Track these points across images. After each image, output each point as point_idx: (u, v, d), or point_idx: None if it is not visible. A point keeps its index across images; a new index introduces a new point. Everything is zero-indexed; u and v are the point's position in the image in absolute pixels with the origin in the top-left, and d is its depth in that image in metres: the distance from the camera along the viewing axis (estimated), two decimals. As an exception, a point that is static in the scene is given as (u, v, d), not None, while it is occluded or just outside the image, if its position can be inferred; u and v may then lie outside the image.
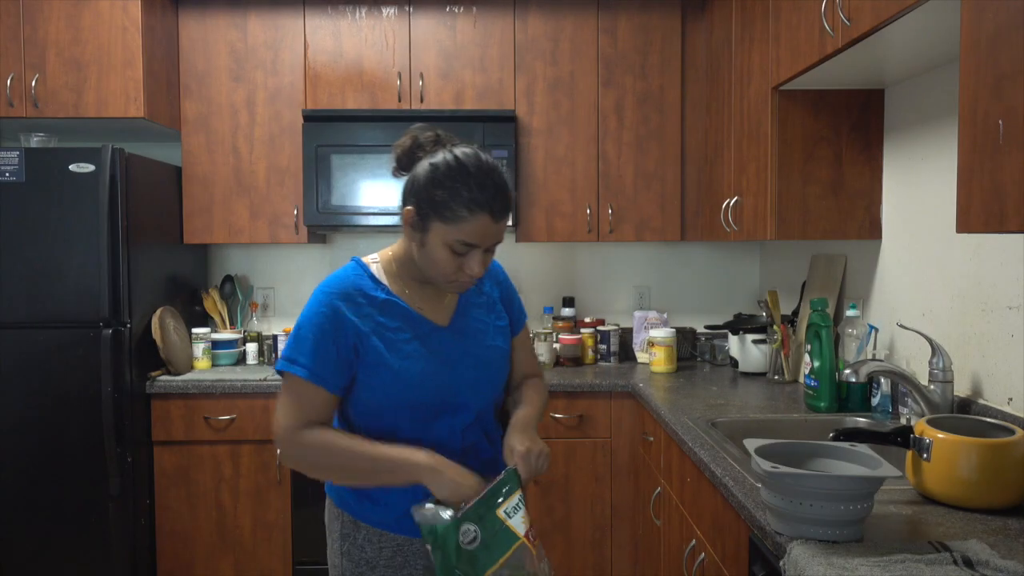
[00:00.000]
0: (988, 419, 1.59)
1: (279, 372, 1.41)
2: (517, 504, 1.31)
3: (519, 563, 1.30)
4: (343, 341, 1.38)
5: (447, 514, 1.30)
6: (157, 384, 2.89)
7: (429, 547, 1.31)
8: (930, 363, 1.91)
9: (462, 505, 1.31)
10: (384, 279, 1.46)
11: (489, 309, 1.55)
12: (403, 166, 1.43)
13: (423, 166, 1.37)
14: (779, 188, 2.36)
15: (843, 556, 1.19)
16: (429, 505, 1.32)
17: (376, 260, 1.49)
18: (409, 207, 1.37)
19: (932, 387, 1.89)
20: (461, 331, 1.49)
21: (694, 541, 1.98)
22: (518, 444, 1.39)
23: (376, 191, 3.07)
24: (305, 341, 1.38)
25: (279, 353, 3.12)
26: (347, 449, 1.38)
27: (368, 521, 1.45)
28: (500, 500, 1.31)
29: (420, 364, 1.42)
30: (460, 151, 1.36)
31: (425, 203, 1.34)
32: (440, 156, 1.36)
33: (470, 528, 1.29)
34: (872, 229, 2.39)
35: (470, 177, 1.32)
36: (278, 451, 1.44)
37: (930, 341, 1.92)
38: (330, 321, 1.38)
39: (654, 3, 3.17)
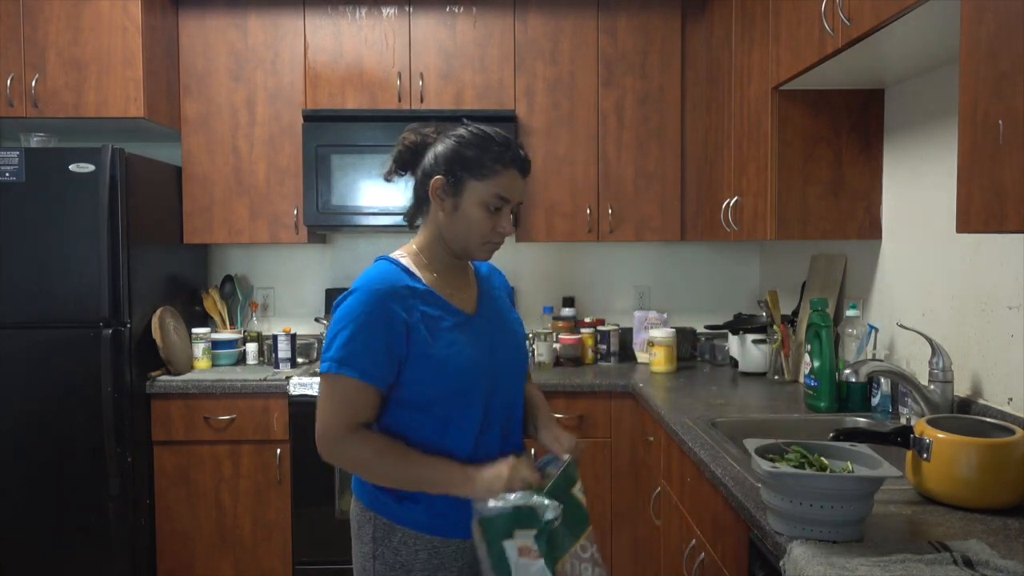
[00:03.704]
0: (988, 419, 1.59)
1: (324, 373, 1.39)
2: (581, 488, 1.40)
3: (590, 543, 1.36)
4: (394, 336, 1.39)
5: (513, 497, 1.32)
6: (157, 384, 2.89)
7: (484, 541, 1.32)
8: (930, 363, 1.91)
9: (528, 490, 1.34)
10: (416, 271, 1.48)
11: (504, 302, 1.63)
12: (406, 164, 1.50)
13: (444, 142, 1.46)
14: (779, 188, 2.36)
15: (843, 556, 1.19)
16: (492, 503, 1.33)
17: (403, 255, 1.51)
18: (437, 176, 1.44)
19: (932, 387, 1.89)
20: (488, 318, 1.53)
21: (694, 541, 1.98)
22: (565, 437, 1.49)
23: (376, 191, 3.07)
24: (354, 340, 1.37)
25: (279, 354, 3.13)
26: (395, 458, 1.39)
27: (405, 523, 1.43)
28: (572, 483, 1.38)
29: (465, 350, 1.43)
30: (476, 124, 1.48)
31: (457, 166, 1.43)
32: (461, 129, 1.47)
33: (556, 505, 1.32)
34: (872, 229, 2.39)
35: (493, 139, 1.44)
36: (320, 452, 1.43)
37: (930, 341, 1.92)
38: (379, 318, 1.39)
39: (654, 3, 3.17)
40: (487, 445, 1.46)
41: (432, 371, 1.40)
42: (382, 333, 1.38)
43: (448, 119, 3.17)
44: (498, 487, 1.34)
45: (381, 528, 1.44)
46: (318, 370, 3.00)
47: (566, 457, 1.43)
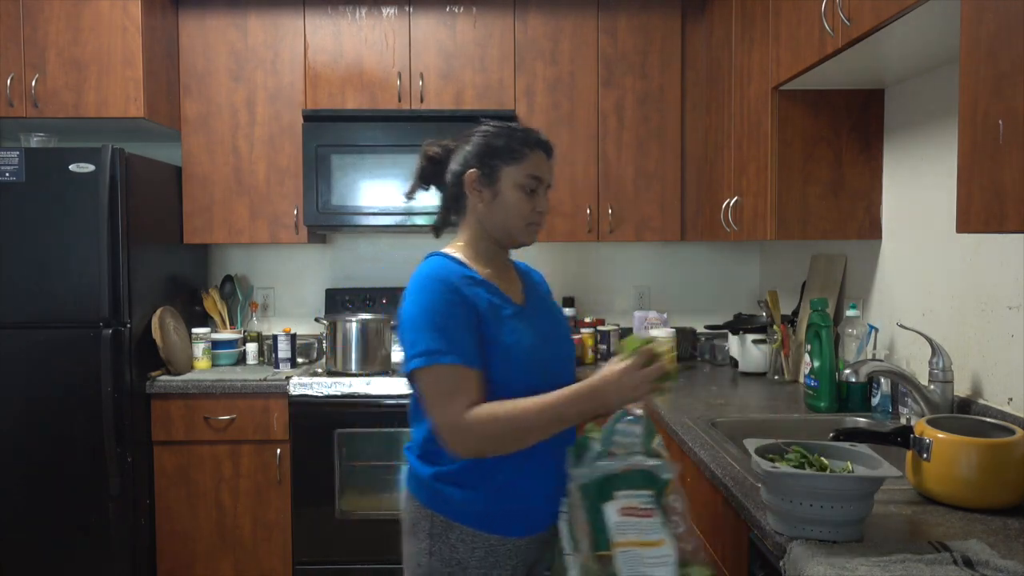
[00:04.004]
0: (988, 419, 1.59)
1: (419, 370, 1.37)
2: (661, 442, 1.43)
3: (680, 497, 1.40)
4: (471, 320, 1.41)
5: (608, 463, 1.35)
6: (157, 384, 2.89)
7: (583, 505, 1.34)
8: (930, 363, 1.91)
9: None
10: (470, 264, 1.51)
11: (548, 295, 1.68)
12: (428, 177, 1.57)
13: (469, 141, 1.52)
14: (779, 188, 2.36)
15: (843, 556, 1.19)
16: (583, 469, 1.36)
17: (453, 252, 1.53)
18: (471, 170, 1.50)
19: (932, 387, 1.89)
20: (538, 310, 1.57)
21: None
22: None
23: (376, 191, 3.07)
24: (442, 329, 1.38)
25: (279, 354, 3.13)
26: (525, 410, 1.37)
27: (464, 520, 1.44)
28: (652, 438, 1.41)
29: (525, 338, 1.46)
30: (496, 122, 1.56)
31: (488, 156, 1.50)
32: (482, 127, 1.54)
33: (673, 465, 1.37)
34: (872, 229, 2.39)
35: (516, 128, 1.54)
36: (452, 449, 1.38)
37: (930, 341, 1.92)
38: (456, 303, 1.41)
39: (654, 3, 3.17)
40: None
41: (500, 358, 1.42)
42: (462, 318, 1.40)
43: (448, 119, 3.20)
44: (641, 387, 1.35)
45: (439, 525, 1.45)
46: (318, 370, 3.02)
47: (639, 412, 1.42)
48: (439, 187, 1.59)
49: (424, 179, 1.59)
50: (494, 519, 1.44)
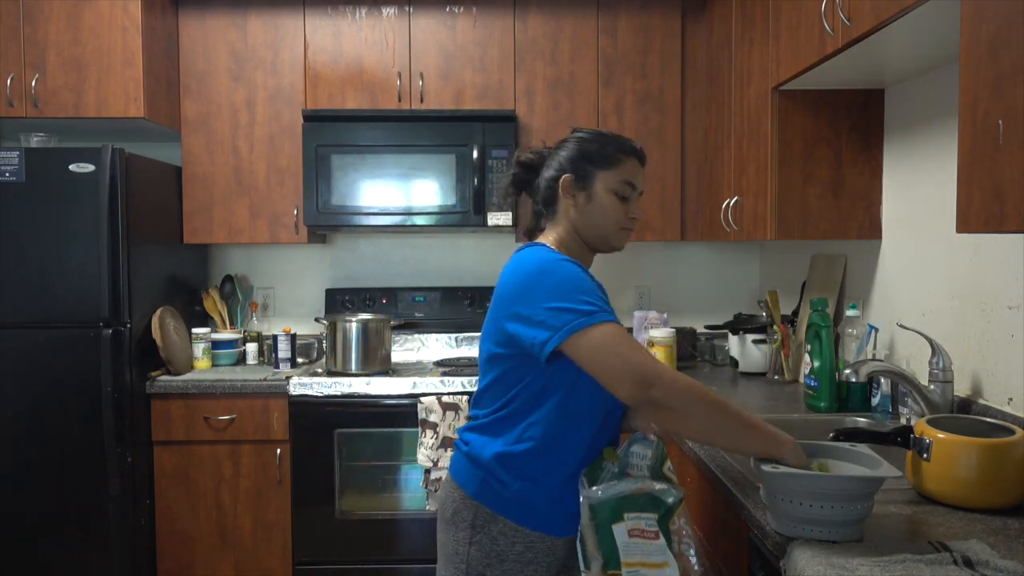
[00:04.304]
0: (988, 419, 1.59)
1: (584, 331, 1.34)
2: (671, 467, 1.48)
3: (687, 522, 1.43)
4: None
5: (622, 485, 1.40)
6: (157, 384, 2.89)
7: (593, 525, 1.38)
8: (930, 363, 1.91)
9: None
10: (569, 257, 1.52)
11: None
12: (521, 184, 1.61)
13: (564, 148, 1.57)
14: (779, 188, 2.36)
15: (843, 556, 1.19)
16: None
17: (551, 245, 1.55)
18: (566, 175, 1.54)
19: (932, 387, 1.89)
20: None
21: (694, 541, 1.98)
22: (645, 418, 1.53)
23: (376, 191, 3.07)
24: (591, 292, 1.40)
25: (279, 354, 3.12)
26: (728, 402, 1.39)
27: (509, 515, 1.47)
28: (663, 462, 1.45)
29: None
30: (590, 128, 1.60)
31: (583, 161, 1.54)
32: (577, 133, 1.58)
33: (678, 489, 1.42)
34: (872, 229, 2.39)
35: (610, 135, 1.58)
36: (650, 390, 1.31)
37: (930, 341, 1.92)
38: (587, 278, 1.44)
39: (654, 3, 3.17)
40: (604, 435, 1.52)
41: None
42: (597, 291, 1.43)
43: (448, 119, 3.20)
44: (801, 458, 1.33)
45: (483, 516, 1.48)
46: (318, 370, 3.02)
47: (652, 438, 1.47)
48: (530, 193, 1.63)
49: (517, 185, 1.63)
50: (540, 516, 1.47)
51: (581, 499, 1.42)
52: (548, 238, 1.58)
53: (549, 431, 1.46)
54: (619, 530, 1.35)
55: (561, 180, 1.54)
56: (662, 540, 1.35)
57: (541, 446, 1.45)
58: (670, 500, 1.39)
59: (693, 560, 1.40)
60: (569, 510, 1.47)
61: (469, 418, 1.59)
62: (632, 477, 1.41)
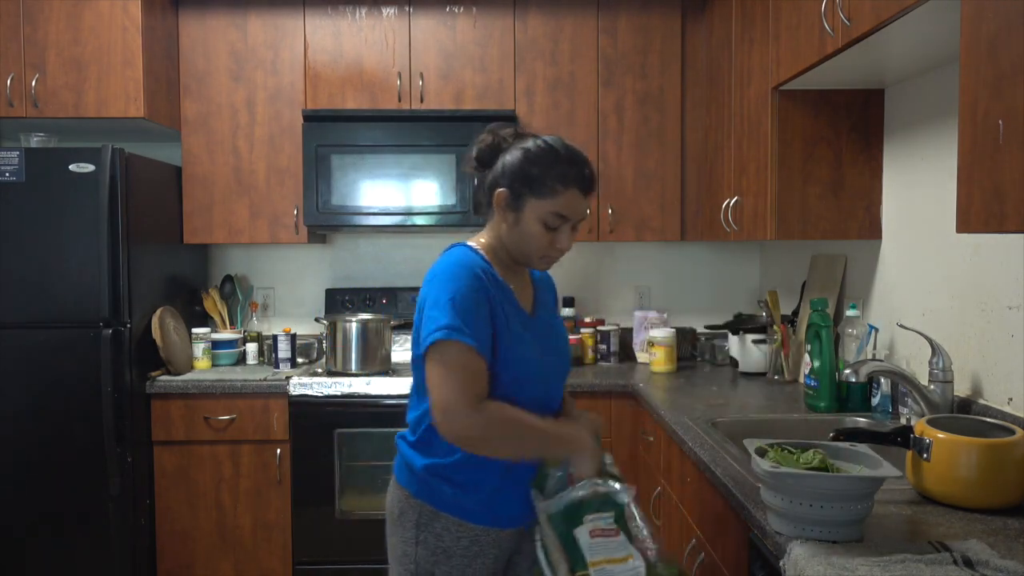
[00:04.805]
0: (988, 419, 1.59)
1: (437, 343, 1.36)
2: (612, 461, 1.53)
3: (637, 506, 1.46)
4: (487, 312, 1.42)
5: (575, 491, 1.42)
6: (157, 384, 2.89)
7: (555, 532, 1.40)
8: (930, 363, 1.91)
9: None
10: (492, 264, 1.52)
11: (553, 306, 1.68)
12: (485, 162, 1.53)
13: (513, 152, 1.49)
14: (779, 188, 2.36)
15: (843, 556, 1.19)
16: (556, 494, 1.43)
17: (477, 247, 1.54)
18: (502, 189, 1.49)
19: (932, 387, 1.89)
20: (545, 322, 1.59)
21: (694, 541, 1.98)
22: (584, 417, 1.58)
23: (376, 191, 3.07)
24: (464, 312, 1.38)
25: (279, 354, 3.13)
26: (523, 423, 1.41)
27: (451, 511, 1.48)
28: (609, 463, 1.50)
29: (528, 351, 1.49)
30: (547, 137, 1.51)
31: (519, 182, 1.47)
32: (530, 142, 1.50)
33: (628, 488, 1.44)
34: (872, 229, 2.39)
35: (560, 156, 1.47)
36: (442, 426, 1.38)
37: (930, 341, 1.92)
38: (480, 291, 1.42)
39: (654, 3, 3.17)
40: None
41: (504, 364, 1.44)
42: (484, 308, 1.41)
43: (448, 119, 3.20)
44: (596, 462, 1.44)
45: (426, 515, 1.50)
46: (318, 370, 3.02)
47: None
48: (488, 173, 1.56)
49: (482, 163, 1.55)
50: (480, 513, 1.49)
51: (538, 511, 1.44)
52: (480, 240, 1.57)
53: None
54: (581, 532, 1.38)
55: (495, 194, 1.50)
56: (623, 536, 1.39)
57: (466, 456, 1.45)
58: (622, 498, 1.41)
59: (647, 540, 1.43)
60: (509, 505, 1.50)
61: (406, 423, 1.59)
62: (580, 482, 1.43)
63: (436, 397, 1.38)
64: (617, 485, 1.43)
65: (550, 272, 1.71)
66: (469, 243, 1.56)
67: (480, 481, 1.48)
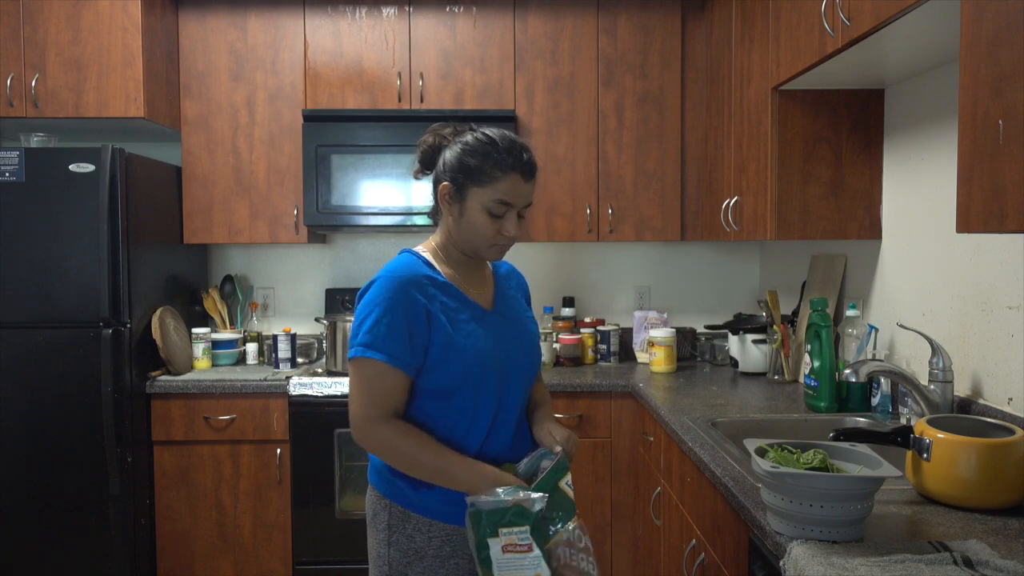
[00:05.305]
0: (988, 419, 1.59)
1: (352, 359, 1.44)
2: (570, 481, 1.46)
3: (583, 533, 1.43)
4: (416, 322, 1.44)
5: (502, 492, 1.39)
6: (157, 384, 2.89)
7: (474, 533, 1.38)
8: (930, 363, 1.91)
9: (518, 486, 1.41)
10: (436, 265, 1.54)
11: (519, 302, 1.68)
12: (428, 164, 1.55)
13: (452, 148, 1.50)
14: (779, 188, 2.36)
15: (843, 556, 1.19)
16: (484, 497, 1.39)
17: (424, 250, 1.57)
18: (444, 183, 1.50)
19: (932, 387, 1.89)
20: (504, 315, 1.59)
21: (694, 541, 1.98)
22: (557, 430, 1.55)
23: (376, 191, 3.07)
24: (379, 325, 1.42)
25: (279, 354, 3.13)
26: (419, 453, 1.43)
27: (419, 510, 1.48)
28: (561, 475, 1.44)
29: (481, 342, 1.49)
30: (485, 129, 1.52)
31: (460, 173, 1.48)
32: (469, 136, 1.51)
33: (542, 496, 1.39)
34: (872, 229, 2.39)
35: (497, 145, 1.48)
36: (353, 437, 1.49)
37: (930, 341, 1.92)
38: (401, 303, 1.43)
39: (654, 3, 3.17)
40: (498, 441, 1.52)
41: (451, 359, 1.45)
42: (405, 319, 1.43)
43: (448, 119, 3.17)
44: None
45: (396, 515, 1.50)
46: (318, 370, 3.02)
47: (558, 450, 1.50)
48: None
49: (425, 165, 1.58)
50: (450, 514, 1.48)
51: (467, 502, 1.41)
52: (430, 242, 1.59)
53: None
54: (494, 545, 1.37)
55: (439, 189, 1.51)
56: (536, 551, 1.37)
57: None
58: (536, 508, 1.38)
59: (590, 569, 1.42)
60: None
61: None
62: (514, 487, 1.40)
63: (349, 410, 1.46)
64: (533, 495, 1.39)
65: (520, 270, 1.75)
66: (417, 248, 1.58)
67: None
